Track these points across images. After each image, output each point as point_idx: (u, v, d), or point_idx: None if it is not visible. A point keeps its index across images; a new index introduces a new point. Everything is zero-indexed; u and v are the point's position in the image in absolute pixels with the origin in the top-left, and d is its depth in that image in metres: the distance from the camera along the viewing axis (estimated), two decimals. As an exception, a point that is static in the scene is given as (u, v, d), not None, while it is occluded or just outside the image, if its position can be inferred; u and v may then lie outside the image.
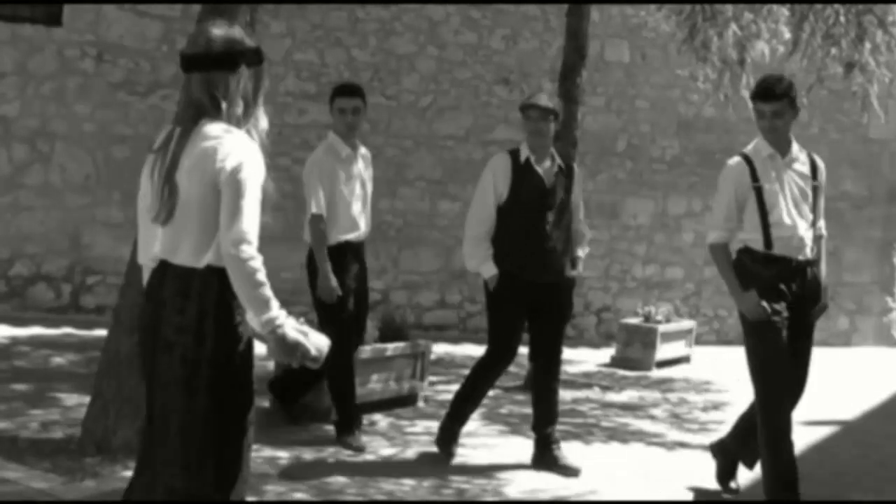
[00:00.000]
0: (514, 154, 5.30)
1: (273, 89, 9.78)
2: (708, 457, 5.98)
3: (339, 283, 5.41)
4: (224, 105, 2.80)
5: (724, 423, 6.98)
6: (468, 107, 10.61)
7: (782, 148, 4.73)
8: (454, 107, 10.55)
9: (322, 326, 5.52)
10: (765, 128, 4.69)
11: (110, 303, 6.93)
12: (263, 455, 5.13)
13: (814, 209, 4.77)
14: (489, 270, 5.19)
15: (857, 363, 11.13)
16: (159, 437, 2.77)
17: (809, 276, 4.75)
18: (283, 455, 5.18)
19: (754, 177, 4.68)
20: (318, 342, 2.79)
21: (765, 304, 4.59)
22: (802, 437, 6.63)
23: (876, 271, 12.83)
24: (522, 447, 5.73)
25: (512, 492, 4.91)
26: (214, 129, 2.78)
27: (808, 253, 4.72)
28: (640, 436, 6.37)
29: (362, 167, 5.65)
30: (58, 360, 7.13)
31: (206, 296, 2.75)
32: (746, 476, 5.47)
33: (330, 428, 5.82)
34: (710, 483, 5.30)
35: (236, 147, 2.75)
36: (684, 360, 9.93)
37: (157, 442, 2.78)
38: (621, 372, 9.00)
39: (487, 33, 10.76)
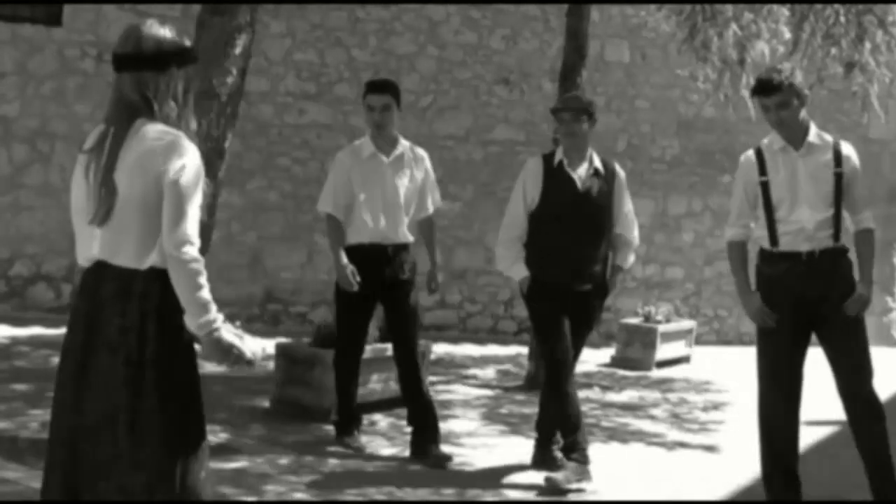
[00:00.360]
0: (548, 157, 5.14)
1: (273, 89, 9.79)
2: (708, 456, 5.99)
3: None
4: (156, 106, 2.79)
5: (724, 423, 6.99)
6: (468, 107, 10.61)
7: (796, 139, 4.50)
8: (454, 107, 10.55)
9: (336, 322, 5.53)
10: (772, 122, 4.51)
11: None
12: (263, 455, 5.13)
13: (837, 199, 4.47)
14: (519, 273, 5.05)
15: (857, 363, 11.11)
16: (105, 437, 2.73)
17: (827, 268, 4.47)
18: (283, 455, 5.18)
19: (762, 171, 4.54)
20: (253, 346, 2.81)
21: (766, 309, 4.48)
22: (802, 438, 6.64)
23: (876, 271, 12.80)
24: (522, 447, 5.73)
25: (512, 492, 4.91)
26: (154, 131, 2.76)
27: (824, 244, 4.44)
28: (640, 436, 6.37)
29: (394, 169, 5.44)
30: (58, 360, 7.10)
31: (149, 297, 2.73)
32: (746, 476, 5.47)
33: (330, 428, 5.82)
34: (710, 482, 5.31)
35: (179, 149, 2.72)
36: (684, 360, 9.93)
37: (100, 442, 2.74)
38: (621, 372, 9.00)
39: (487, 33, 10.76)
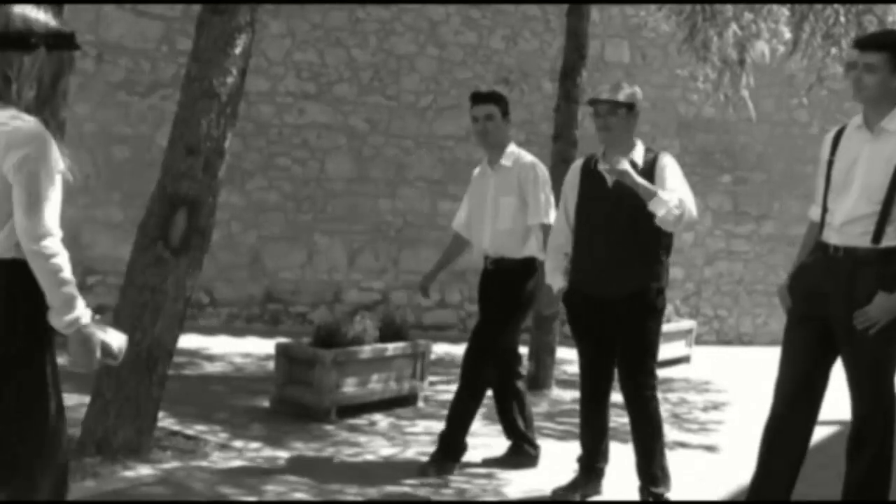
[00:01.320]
0: (591, 157, 4.73)
1: (273, 89, 9.79)
2: (708, 456, 5.98)
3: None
4: (14, 86, 2.66)
5: (724, 423, 6.98)
6: (468, 107, 10.61)
7: (874, 119, 3.93)
8: (454, 107, 10.55)
9: None
10: (853, 82, 3.95)
11: (110, 303, 6.94)
12: (263, 455, 5.13)
13: (890, 196, 3.86)
14: (555, 283, 4.73)
15: (857, 363, 11.11)
16: None
17: (846, 268, 3.92)
18: (283, 455, 5.18)
19: (833, 150, 4.05)
20: (118, 339, 2.75)
21: (786, 293, 4.13)
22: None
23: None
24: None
25: (512, 492, 4.91)
26: (3, 116, 2.63)
27: (853, 242, 3.91)
28: (640, 436, 6.37)
29: (496, 180, 5.20)
30: (58, 360, 7.12)
31: (13, 288, 2.63)
32: (746, 476, 5.47)
33: (330, 428, 5.82)
34: (710, 482, 5.30)
35: (21, 137, 2.59)
36: (684, 360, 9.92)
37: None
38: (621, 372, 8.99)
39: (487, 33, 10.76)
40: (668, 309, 10.09)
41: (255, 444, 5.34)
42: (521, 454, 5.41)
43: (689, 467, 5.68)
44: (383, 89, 10.31)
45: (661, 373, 9.14)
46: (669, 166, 4.53)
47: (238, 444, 5.32)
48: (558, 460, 5.44)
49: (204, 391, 6.64)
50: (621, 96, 4.56)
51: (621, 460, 5.70)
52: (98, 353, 2.69)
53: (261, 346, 8.43)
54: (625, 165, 4.31)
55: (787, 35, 7.99)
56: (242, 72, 5.00)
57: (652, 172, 4.48)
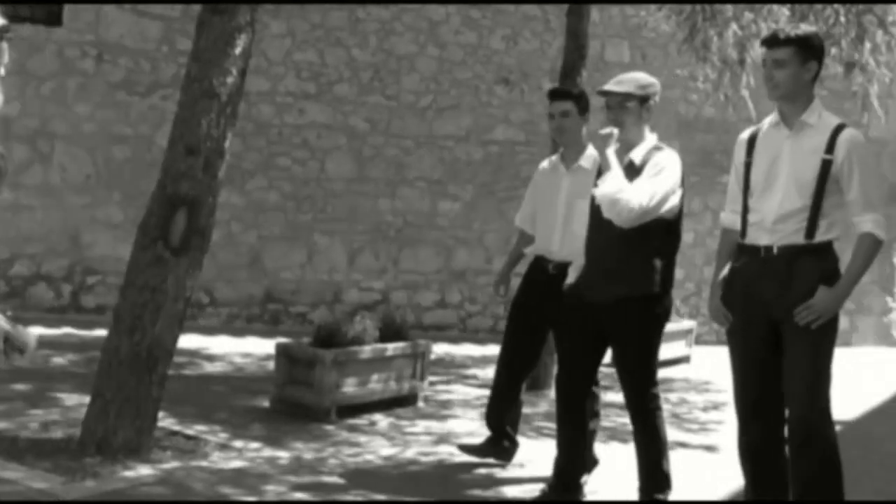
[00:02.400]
0: None
1: (273, 89, 9.79)
2: (708, 456, 5.98)
3: (521, 295, 5.11)
4: None
5: (723, 423, 6.98)
6: (468, 107, 10.61)
7: (791, 115, 3.87)
8: (454, 107, 10.55)
9: None
10: (766, 80, 3.87)
11: (110, 303, 6.94)
12: (263, 455, 5.13)
13: (819, 191, 3.78)
14: (569, 280, 4.55)
15: (857, 363, 11.12)
16: None
17: (782, 267, 3.82)
18: (283, 455, 5.18)
19: (749, 151, 3.97)
20: (26, 336, 2.73)
21: (723, 308, 4.00)
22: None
23: (876, 271, 12.82)
24: (523, 447, 5.73)
25: (512, 492, 4.91)
26: None
27: (786, 240, 3.82)
28: (640, 436, 6.37)
29: (570, 181, 5.03)
30: (58, 360, 7.13)
31: None
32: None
33: (330, 428, 5.82)
34: (710, 482, 5.30)
35: None
36: (684, 360, 9.92)
37: None
38: (621, 372, 8.99)
39: (487, 33, 10.76)
40: (668, 309, 10.10)
41: (255, 444, 5.34)
42: (499, 447, 5.34)
43: (689, 467, 5.67)
44: (383, 89, 10.32)
45: (661, 373, 9.14)
46: (655, 160, 4.30)
47: (238, 444, 5.32)
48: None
49: (204, 391, 6.64)
50: (631, 88, 4.40)
51: (622, 460, 5.70)
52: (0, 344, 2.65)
53: (261, 346, 8.42)
54: (607, 131, 4.27)
55: (788, 35, 7.99)
56: (242, 72, 5.00)
57: (643, 171, 4.28)
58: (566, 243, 4.94)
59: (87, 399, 4.97)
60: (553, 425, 6.35)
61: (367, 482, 4.82)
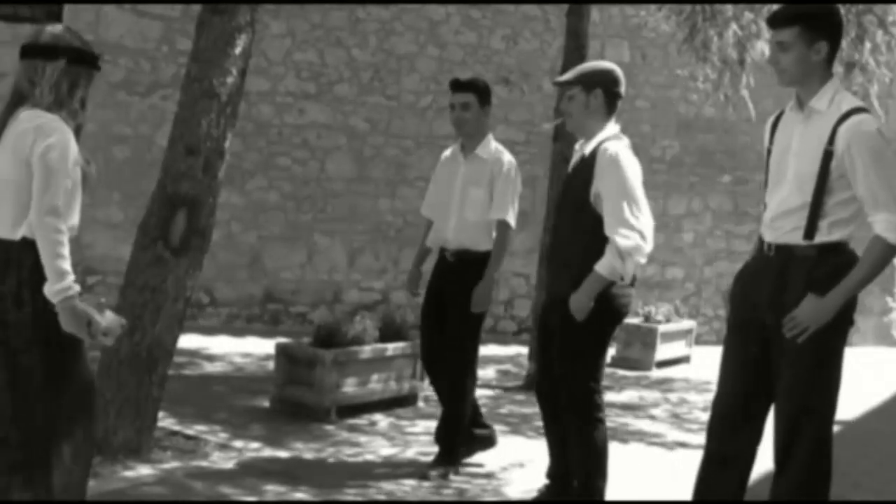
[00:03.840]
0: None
1: (273, 89, 9.79)
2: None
3: (427, 292, 5.15)
4: (37, 90, 3.10)
5: (724, 423, 6.98)
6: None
7: (805, 98, 3.51)
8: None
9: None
10: (771, 63, 3.57)
11: (110, 303, 6.93)
12: (263, 455, 5.13)
13: (820, 185, 3.42)
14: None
15: (857, 363, 11.12)
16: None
17: (777, 268, 3.52)
18: (283, 455, 5.18)
19: (771, 137, 3.64)
20: (109, 320, 3.05)
21: (727, 298, 3.78)
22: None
23: (876, 271, 12.83)
24: (523, 447, 5.73)
25: (512, 492, 4.91)
26: (28, 115, 3.07)
27: (784, 238, 3.50)
28: (640, 436, 6.37)
29: (466, 169, 5.11)
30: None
31: (23, 265, 3.00)
32: (751, 475, 5.46)
33: (330, 428, 5.82)
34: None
35: (45, 130, 3.02)
36: (684, 360, 9.93)
37: None
38: (621, 372, 9.00)
39: (487, 33, 10.76)
40: (668, 309, 10.14)
41: (255, 444, 5.34)
42: (477, 439, 5.32)
43: (689, 467, 5.67)
44: (383, 89, 10.32)
45: (662, 373, 9.19)
46: (609, 169, 4.07)
47: (238, 444, 5.32)
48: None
49: (204, 391, 6.64)
50: (574, 75, 4.28)
51: (621, 460, 5.70)
52: (84, 328, 2.98)
53: (261, 346, 8.43)
54: (581, 304, 4.02)
55: (788, 35, 7.99)
56: (242, 72, 5.00)
57: (592, 166, 4.11)
58: (460, 230, 5.01)
59: (87, 399, 4.97)
60: (553, 425, 6.36)
61: (367, 482, 4.83)
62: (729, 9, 7.90)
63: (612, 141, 4.19)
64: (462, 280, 4.95)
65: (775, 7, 7.87)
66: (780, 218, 3.51)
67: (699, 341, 10.71)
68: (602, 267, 4.03)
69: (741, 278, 3.71)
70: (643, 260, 4.10)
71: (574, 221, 4.17)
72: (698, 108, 11.29)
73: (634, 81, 11.43)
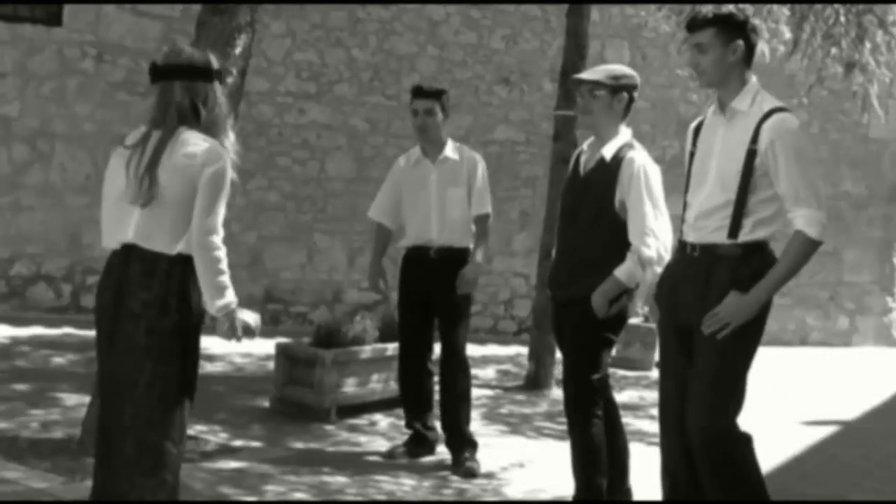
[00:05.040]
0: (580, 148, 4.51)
1: (273, 89, 9.79)
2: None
3: (404, 292, 5.37)
4: (203, 112, 3.21)
5: (724, 423, 6.98)
6: (468, 107, 10.61)
7: (725, 101, 3.56)
8: (454, 106, 10.48)
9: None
10: (690, 66, 3.66)
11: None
12: (263, 455, 5.13)
13: (744, 184, 3.45)
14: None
15: (857, 363, 11.13)
16: (128, 397, 3.14)
17: (698, 269, 3.52)
18: (283, 455, 5.18)
19: (694, 140, 3.70)
20: (253, 318, 3.29)
21: (652, 302, 3.80)
22: (802, 437, 6.64)
23: (876, 271, 12.83)
24: (522, 447, 5.73)
25: (512, 492, 4.91)
26: (195, 137, 3.17)
27: (707, 238, 3.51)
28: (640, 436, 6.36)
29: (439, 172, 5.34)
30: (58, 360, 7.13)
31: (173, 277, 3.14)
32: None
33: (330, 428, 5.83)
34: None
35: (214, 155, 3.17)
36: (684, 360, 9.91)
37: (124, 401, 3.14)
38: (621, 372, 8.99)
39: (487, 33, 10.76)
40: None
41: (255, 444, 5.34)
42: (421, 440, 5.42)
43: (689, 467, 5.67)
44: (383, 89, 10.31)
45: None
46: (636, 179, 4.13)
47: (238, 443, 5.32)
48: (558, 460, 5.44)
49: (204, 391, 6.61)
50: (601, 76, 4.27)
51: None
52: (240, 332, 3.21)
53: (261, 346, 8.42)
54: (600, 304, 4.10)
55: (787, 35, 7.98)
56: (242, 72, 5.00)
57: (616, 171, 4.17)
58: (445, 229, 5.28)
59: (87, 399, 4.97)
60: (553, 425, 6.36)
61: (366, 482, 4.83)
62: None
63: (635, 150, 4.25)
64: (450, 274, 5.21)
65: (775, 7, 7.90)
66: (704, 217, 3.53)
67: (699, 341, 10.69)
68: (622, 273, 4.13)
69: (665, 281, 3.73)
70: (660, 269, 4.07)
71: (594, 225, 4.20)
72: (698, 108, 11.27)
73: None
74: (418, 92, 5.47)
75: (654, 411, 7.18)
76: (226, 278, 3.18)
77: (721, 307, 3.40)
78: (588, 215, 4.23)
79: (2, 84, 8.86)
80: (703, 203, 3.54)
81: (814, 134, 12.25)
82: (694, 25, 3.55)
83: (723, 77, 3.54)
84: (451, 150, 5.40)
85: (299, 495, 4.53)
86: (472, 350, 9.51)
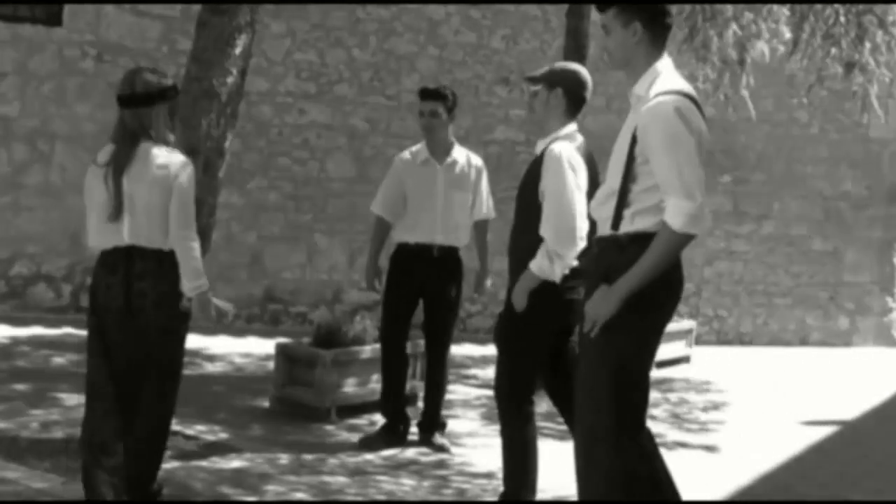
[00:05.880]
0: None
1: (273, 89, 9.79)
2: (708, 456, 5.99)
3: (396, 283, 5.58)
4: (153, 132, 3.77)
5: (724, 423, 6.99)
6: (468, 107, 10.60)
7: (630, 82, 3.45)
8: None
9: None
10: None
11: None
12: (263, 455, 5.13)
13: (626, 173, 3.29)
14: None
15: (857, 363, 11.13)
16: (141, 374, 3.76)
17: (592, 263, 3.47)
18: (283, 455, 5.18)
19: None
20: (226, 305, 3.91)
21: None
22: (802, 438, 6.65)
23: (876, 271, 12.83)
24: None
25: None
26: (160, 151, 3.76)
27: (602, 231, 3.39)
28: (640, 436, 6.37)
29: (445, 175, 5.55)
30: (58, 360, 7.13)
31: (175, 269, 3.72)
32: (746, 476, 5.48)
33: (330, 428, 5.83)
34: (710, 482, 5.31)
35: (182, 164, 3.77)
36: (684, 360, 9.93)
37: (137, 378, 3.76)
38: (621, 372, 9.00)
39: (487, 33, 10.76)
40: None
41: (254, 444, 5.34)
42: (396, 433, 5.59)
43: (690, 467, 5.67)
44: (383, 89, 10.31)
45: (662, 373, 9.18)
46: (548, 171, 4.14)
47: (238, 444, 5.32)
48: (558, 460, 5.44)
49: (204, 391, 6.64)
50: (538, 73, 4.37)
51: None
52: (213, 312, 3.80)
53: (261, 346, 8.43)
54: (517, 297, 4.11)
55: (787, 35, 7.98)
56: (242, 72, 5.00)
57: (541, 166, 4.21)
58: (449, 231, 5.52)
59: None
60: (553, 425, 6.36)
61: (367, 482, 4.83)
62: (729, 9, 7.89)
63: (561, 141, 4.24)
64: (448, 273, 5.55)
65: (775, 7, 7.90)
66: (597, 209, 3.43)
67: (699, 341, 10.71)
68: (534, 265, 4.11)
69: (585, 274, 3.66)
70: (573, 262, 4.09)
71: (526, 220, 4.20)
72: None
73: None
74: (424, 93, 5.60)
75: (655, 411, 7.22)
76: (199, 265, 3.72)
77: (588, 304, 3.26)
78: (520, 211, 4.28)
79: (2, 84, 8.86)
80: (598, 194, 3.45)
81: (814, 134, 12.26)
82: (599, 6, 3.40)
83: (627, 59, 3.36)
84: (458, 153, 5.59)
85: (299, 495, 4.53)
86: (472, 350, 9.56)
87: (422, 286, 5.54)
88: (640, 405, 3.28)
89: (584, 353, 3.32)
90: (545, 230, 4.11)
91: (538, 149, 4.35)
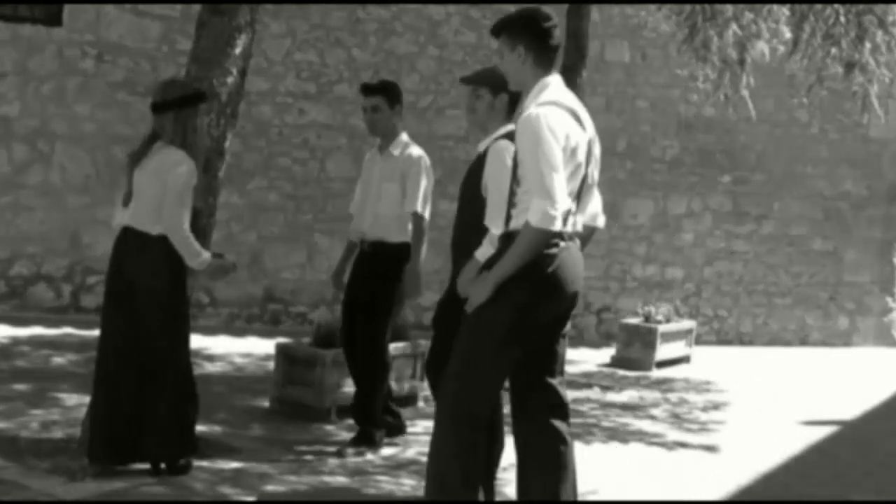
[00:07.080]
0: None
1: (273, 89, 9.79)
2: (708, 456, 5.99)
3: (349, 287, 5.51)
4: (166, 137, 4.45)
5: (724, 423, 6.99)
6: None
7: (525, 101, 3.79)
8: (454, 106, 10.53)
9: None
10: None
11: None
12: (263, 455, 5.13)
13: (513, 177, 3.69)
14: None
15: (857, 363, 11.14)
16: (149, 343, 4.59)
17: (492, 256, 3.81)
18: (283, 455, 5.18)
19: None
20: (228, 261, 4.83)
21: None
22: (802, 438, 6.65)
23: (876, 271, 12.83)
24: (522, 447, 5.71)
25: (512, 492, 4.90)
26: (167, 150, 4.44)
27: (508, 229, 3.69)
28: (640, 436, 6.38)
29: (381, 166, 5.46)
30: (58, 360, 7.13)
31: (155, 249, 4.42)
32: (746, 476, 5.47)
33: (330, 428, 5.83)
34: (710, 482, 5.31)
35: (178, 163, 4.40)
36: (684, 360, 9.93)
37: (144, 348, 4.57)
38: (621, 372, 9.00)
39: (487, 33, 10.74)
40: (668, 309, 10.14)
41: (255, 444, 5.34)
42: (368, 437, 5.42)
43: (689, 467, 5.68)
44: (383, 89, 10.30)
45: (662, 373, 9.18)
46: (490, 165, 4.22)
47: (238, 444, 5.32)
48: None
49: (204, 391, 6.62)
50: (480, 77, 4.57)
51: (621, 460, 5.70)
52: (226, 273, 4.85)
53: (261, 346, 8.43)
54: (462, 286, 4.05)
55: (787, 35, 7.97)
56: (242, 72, 5.00)
57: (485, 161, 4.29)
58: (376, 223, 5.39)
59: (87, 399, 4.96)
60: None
61: (367, 482, 4.83)
62: (729, 9, 7.89)
63: (504, 140, 4.28)
64: (377, 267, 5.35)
65: (775, 7, 7.90)
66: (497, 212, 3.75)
67: (699, 341, 10.70)
68: (479, 254, 4.10)
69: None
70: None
71: (469, 215, 4.35)
72: (698, 108, 11.28)
73: (634, 81, 11.43)
74: (365, 89, 5.60)
75: (654, 411, 7.22)
76: (193, 246, 4.43)
77: (471, 287, 3.63)
78: (463, 205, 4.45)
79: (2, 84, 8.86)
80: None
81: (814, 134, 12.26)
82: (492, 32, 3.77)
83: (521, 80, 3.70)
84: (396, 145, 5.49)
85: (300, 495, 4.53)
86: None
87: (354, 284, 5.48)
88: (483, 385, 3.61)
89: (460, 337, 3.64)
90: (490, 220, 4.11)
91: (481, 147, 4.43)
